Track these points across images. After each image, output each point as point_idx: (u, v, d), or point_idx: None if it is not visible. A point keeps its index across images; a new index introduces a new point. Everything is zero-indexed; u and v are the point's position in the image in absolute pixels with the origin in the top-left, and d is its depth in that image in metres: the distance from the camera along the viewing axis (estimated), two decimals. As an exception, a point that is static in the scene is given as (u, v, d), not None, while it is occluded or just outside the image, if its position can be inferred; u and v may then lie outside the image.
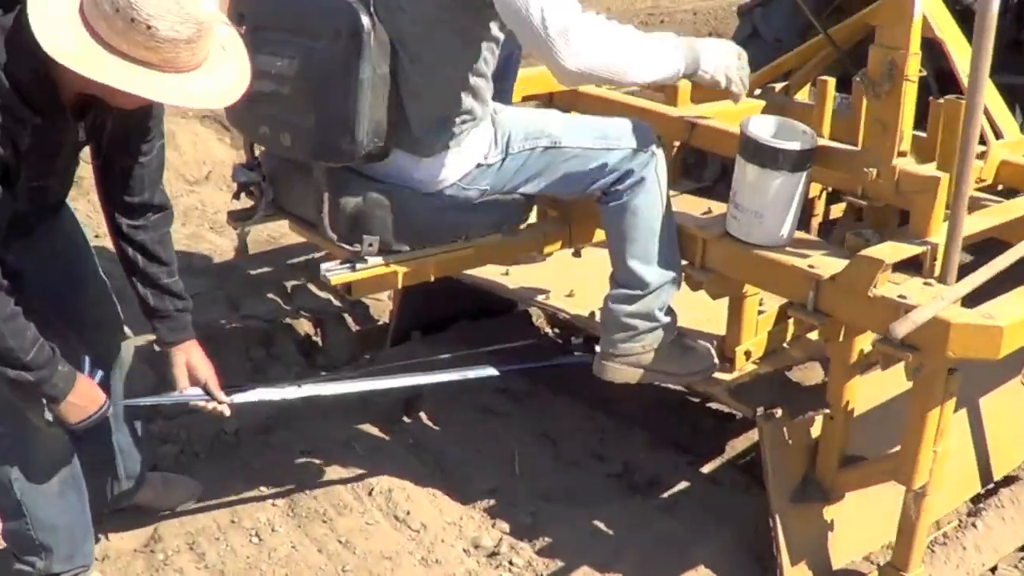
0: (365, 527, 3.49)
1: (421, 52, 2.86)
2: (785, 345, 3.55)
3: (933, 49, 3.53)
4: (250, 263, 5.05)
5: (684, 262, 3.24)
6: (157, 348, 3.09)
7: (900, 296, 2.75)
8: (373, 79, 2.75)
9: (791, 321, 3.53)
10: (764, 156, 2.99)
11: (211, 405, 3.04)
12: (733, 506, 3.61)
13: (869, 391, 3.23)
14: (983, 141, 3.37)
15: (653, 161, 3.12)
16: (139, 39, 2.31)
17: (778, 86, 4.36)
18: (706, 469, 3.86)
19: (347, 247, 2.97)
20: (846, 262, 2.88)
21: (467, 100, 2.95)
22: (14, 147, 2.50)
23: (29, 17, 2.31)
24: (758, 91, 4.33)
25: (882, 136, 2.94)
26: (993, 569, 3.47)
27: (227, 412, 3.08)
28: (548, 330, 4.67)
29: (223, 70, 2.49)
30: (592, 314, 3.73)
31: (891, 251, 2.83)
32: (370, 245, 2.95)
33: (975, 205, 3.16)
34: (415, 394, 4.10)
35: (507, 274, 3.97)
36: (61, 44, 2.31)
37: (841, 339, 3.06)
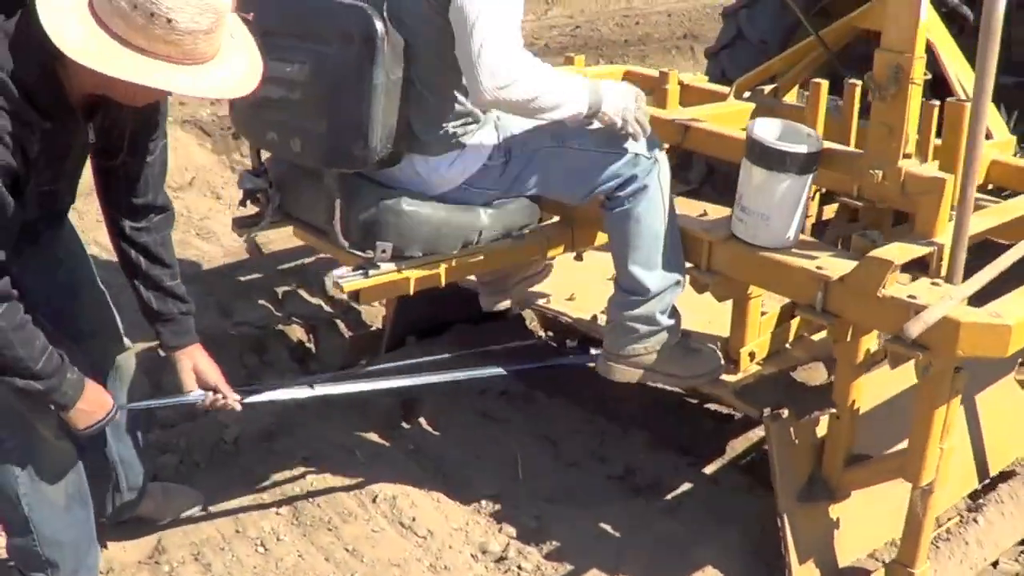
0: (371, 534, 3.48)
1: (420, 55, 2.90)
2: (788, 346, 3.58)
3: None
4: (239, 269, 5.04)
5: (690, 264, 3.26)
6: (162, 353, 3.06)
7: (910, 296, 2.79)
8: (387, 84, 2.76)
9: (793, 322, 3.56)
10: (771, 159, 3.02)
11: (221, 402, 3.02)
12: (735, 507, 3.63)
13: (871, 390, 3.26)
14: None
15: (656, 168, 3.16)
16: (159, 33, 2.29)
17: (767, 88, 4.38)
18: (707, 470, 3.88)
19: (359, 254, 2.97)
20: (854, 263, 2.92)
21: (468, 102, 3.00)
22: (23, 153, 2.48)
23: (41, 18, 2.28)
24: (747, 94, 4.36)
25: (888, 139, 2.97)
26: (995, 563, 3.51)
27: (239, 407, 3.06)
28: (542, 333, 4.67)
29: (235, 59, 2.48)
30: (594, 317, 3.76)
31: (900, 252, 2.87)
32: (383, 251, 2.96)
33: (974, 205, 3.20)
34: (413, 399, 4.10)
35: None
36: (80, 44, 2.29)
37: (848, 339, 3.09)
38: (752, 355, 3.45)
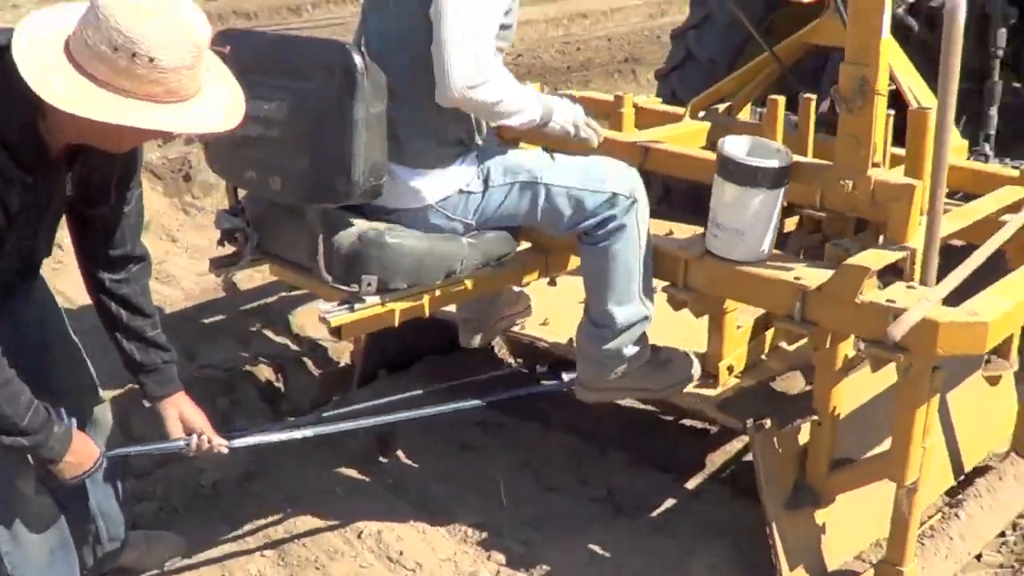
0: (360, 571, 3.47)
1: (413, 83, 2.98)
2: (763, 357, 3.63)
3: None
4: (202, 312, 5.02)
5: (666, 283, 3.31)
6: (147, 404, 3.04)
7: (888, 300, 2.85)
8: (367, 118, 2.78)
9: (768, 333, 3.62)
10: (743, 175, 3.08)
11: (207, 446, 3.01)
12: (721, 519, 3.67)
13: (849, 395, 3.31)
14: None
15: (635, 208, 3.22)
16: (142, 72, 2.28)
17: (721, 107, 4.45)
18: (688, 485, 3.91)
19: (344, 288, 2.98)
20: (830, 272, 2.97)
21: (456, 130, 3.08)
22: (5, 209, 2.47)
23: (21, 70, 2.27)
24: (702, 113, 4.42)
25: (855, 149, 3.04)
26: (978, 556, 3.58)
27: (225, 451, 3.05)
28: (512, 360, 4.69)
29: (217, 92, 2.48)
30: (570, 341, 3.77)
31: (875, 258, 2.94)
32: (369, 285, 2.97)
33: (939, 209, 3.28)
34: (388, 433, 4.09)
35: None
36: (64, 92, 2.27)
37: (827, 347, 3.14)
38: (731, 368, 3.50)
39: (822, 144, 3.80)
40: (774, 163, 3.08)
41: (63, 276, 4.52)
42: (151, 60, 2.28)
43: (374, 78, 2.80)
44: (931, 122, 2.96)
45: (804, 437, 3.34)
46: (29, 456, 2.71)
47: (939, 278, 2.93)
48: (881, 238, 3.68)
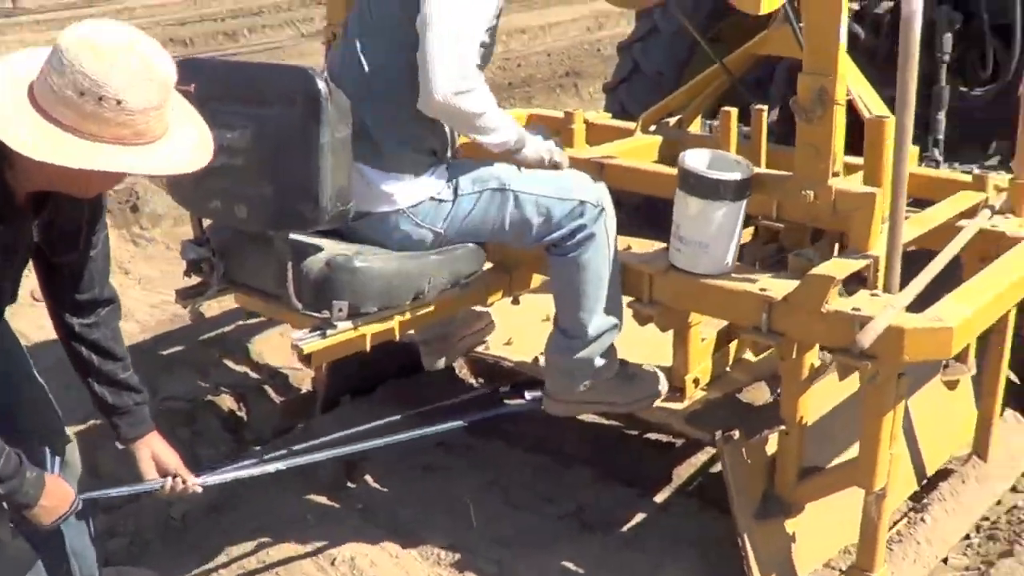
0: (335, 597, 3.46)
1: (387, 91, 3.04)
2: (728, 369, 3.66)
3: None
4: (159, 344, 4.98)
5: (631, 298, 3.33)
6: (120, 445, 3.00)
7: (854, 309, 2.88)
8: (333, 143, 2.78)
9: (731, 345, 3.65)
10: (706, 188, 3.11)
11: (181, 487, 2.97)
12: (689, 531, 3.68)
13: (815, 404, 3.34)
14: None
15: (603, 216, 3.25)
16: (109, 115, 2.25)
17: (672, 121, 4.49)
18: (656, 499, 3.92)
19: (314, 315, 2.97)
20: (795, 282, 3.01)
21: (431, 140, 3.13)
22: None
23: None
24: (653, 127, 4.46)
25: (815, 159, 3.07)
26: (945, 560, 3.61)
27: (199, 490, 3.02)
28: (473, 381, 4.69)
29: (185, 131, 2.45)
30: (536, 359, 3.79)
31: (839, 267, 2.97)
32: (340, 310, 2.96)
33: (896, 217, 3.33)
34: (355, 459, 4.07)
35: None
36: (32, 140, 2.23)
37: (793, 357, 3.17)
38: (696, 382, 3.53)
39: (774, 154, 3.85)
40: (736, 175, 3.11)
41: (20, 316, 4.46)
42: (118, 103, 2.25)
43: (338, 103, 2.80)
44: (889, 131, 2.99)
45: (772, 447, 3.36)
46: (4, 502, 2.67)
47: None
48: (836, 247, 3.77)
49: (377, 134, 3.06)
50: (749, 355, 3.78)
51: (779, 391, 3.36)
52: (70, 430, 3.20)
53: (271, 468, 3.27)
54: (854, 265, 3.00)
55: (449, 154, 3.23)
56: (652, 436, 4.25)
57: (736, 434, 3.29)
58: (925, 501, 3.77)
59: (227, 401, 4.62)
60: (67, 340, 2.88)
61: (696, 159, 3.19)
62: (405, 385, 4.50)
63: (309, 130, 2.74)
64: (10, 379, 2.96)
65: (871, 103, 3.68)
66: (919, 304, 2.94)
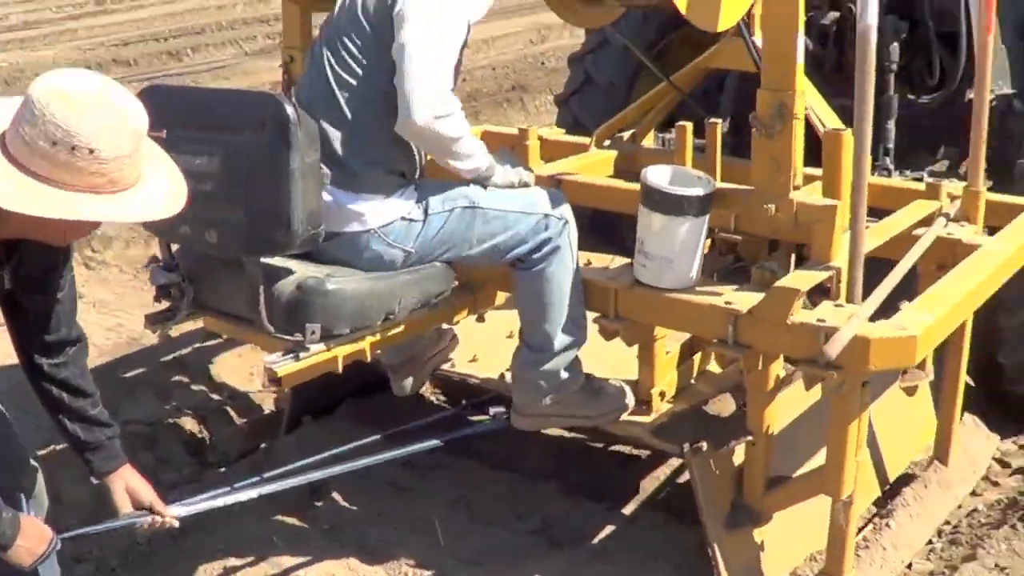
0: (305, 619, 3.45)
1: (358, 114, 3.07)
2: (692, 381, 3.70)
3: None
4: (118, 367, 4.94)
5: (597, 314, 3.35)
6: (95, 481, 2.98)
7: (819, 320, 2.93)
8: (303, 168, 2.79)
9: (695, 358, 3.69)
10: (669, 204, 3.14)
11: (159, 521, 2.96)
12: (657, 543, 3.69)
13: (780, 414, 3.39)
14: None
15: (567, 229, 3.30)
16: (82, 165, 2.25)
17: (626, 135, 4.52)
18: (623, 512, 3.94)
19: (287, 338, 2.97)
20: (759, 295, 3.04)
21: (401, 161, 3.16)
22: None
23: None
24: (607, 142, 4.49)
25: (776, 173, 3.11)
26: (909, 565, 3.67)
27: (176, 524, 3.01)
28: (435, 399, 4.70)
29: (157, 177, 2.45)
30: (501, 376, 3.81)
31: (803, 279, 3.01)
32: (313, 333, 2.97)
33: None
34: (320, 479, 4.06)
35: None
36: (5, 191, 2.23)
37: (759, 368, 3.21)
38: (662, 394, 3.56)
39: (728, 166, 3.89)
40: (699, 191, 3.15)
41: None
42: (91, 152, 2.25)
43: (307, 127, 2.81)
44: (847, 142, 3.04)
45: (739, 457, 3.40)
46: None
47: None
48: (793, 257, 3.82)
49: (347, 156, 3.08)
50: (713, 367, 3.82)
51: (744, 402, 3.40)
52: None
53: (243, 497, 3.25)
54: (818, 277, 3.04)
55: (417, 174, 3.26)
56: (617, 449, 4.27)
57: (704, 446, 3.32)
58: (889, 507, 3.82)
59: (189, 423, 4.60)
60: (37, 380, 2.87)
61: (658, 175, 3.22)
62: (367, 404, 4.50)
63: (279, 156, 2.75)
64: None
65: (824, 116, 3.74)
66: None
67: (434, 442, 3.62)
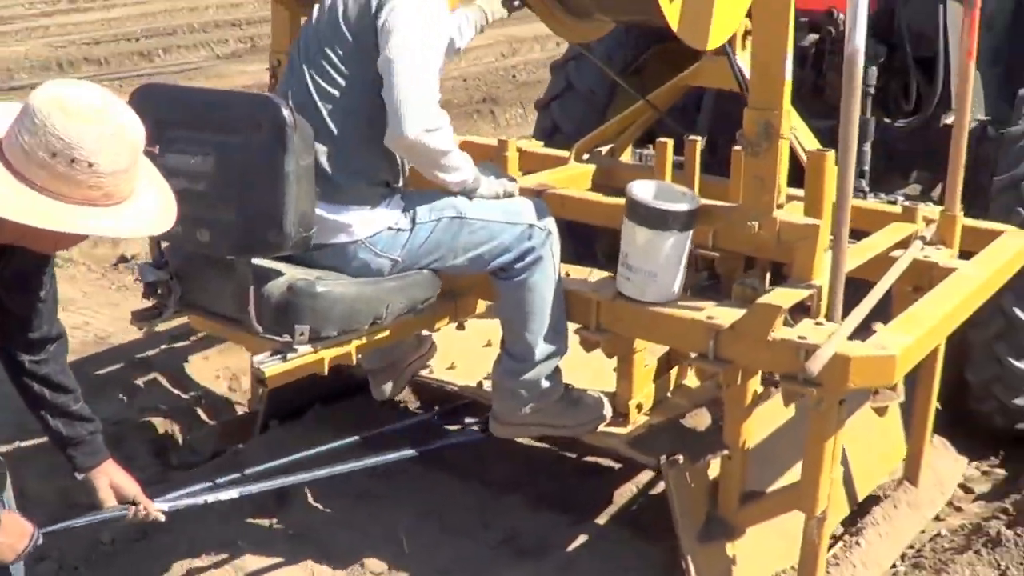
0: (270, 624, 3.43)
1: (340, 125, 3.08)
2: (669, 394, 3.72)
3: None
4: (85, 365, 4.89)
5: (579, 325, 3.37)
6: (78, 476, 2.96)
7: (800, 337, 2.95)
8: (298, 171, 2.80)
9: (672, 371, 3.71)
10: (654, 219, 3.17)
11: (143, 514, 2.96)
12: (628, 556, 3.70)
13: (757, 429, 3.41)
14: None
15: (550, 239, 3.33)
16: (81, 178, 2.24)
17: (604, 149, 4.54)
18: (591, 525, 3.93)
19: (275, 339, 2.98)
20: (741, 311, 3.07)
21: (385, 172, 3.18)
22: None
23: None
24: (586, 156, 4.51)
25: (760, 191, 3.13)
26: (876, 586, 3.71)
27: (163, 518, 3.03)
28: (409, 404, 4.68)
29: (149, 191, 2.44)
30: (480, 383, 3.82)
31: (785, 297, 3.04)
32: (302, 334, 2.97)
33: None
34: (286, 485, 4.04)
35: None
36: (3, 201, 2.21)
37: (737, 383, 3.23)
38: (640, 407, 3.58)
39: (706, 184, 3.91)
40: (684, 206, 3.17)
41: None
42: (90, 165, 2.24)
43: (302, 131, 2.82)
44: (829, 163, 3.07)
45: (715, 471, 3.42)
46: None
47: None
48: (767, 275, 3.85)
49: (331, 168, 3.09)
50: (690, 381, 3.84)
51: (720, 416, 3.42)
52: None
53: (223, 496, 3.27)
54: (800, 294, 3.07)
55: (401, 184, 3.27)
56: (588, 460, 4.27)
57: (680, 458, 3.35)
58: (859, 525, 3.85)
59: (157, 423, 4.56)
60: (19, 377, 2.85)
61: (643, 190, 3.24)
62: (338, 407, 4.48)
63: (275, 158, 2.76)
64: None
65: (803, 137, 3.77)
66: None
67: (410, 452, 3.62)
